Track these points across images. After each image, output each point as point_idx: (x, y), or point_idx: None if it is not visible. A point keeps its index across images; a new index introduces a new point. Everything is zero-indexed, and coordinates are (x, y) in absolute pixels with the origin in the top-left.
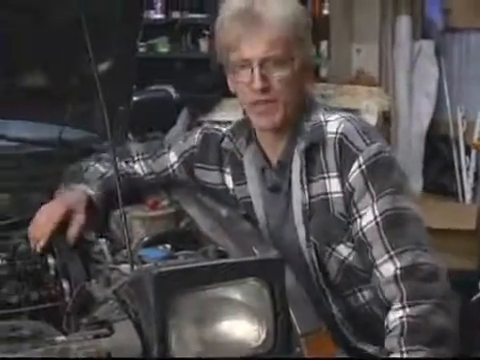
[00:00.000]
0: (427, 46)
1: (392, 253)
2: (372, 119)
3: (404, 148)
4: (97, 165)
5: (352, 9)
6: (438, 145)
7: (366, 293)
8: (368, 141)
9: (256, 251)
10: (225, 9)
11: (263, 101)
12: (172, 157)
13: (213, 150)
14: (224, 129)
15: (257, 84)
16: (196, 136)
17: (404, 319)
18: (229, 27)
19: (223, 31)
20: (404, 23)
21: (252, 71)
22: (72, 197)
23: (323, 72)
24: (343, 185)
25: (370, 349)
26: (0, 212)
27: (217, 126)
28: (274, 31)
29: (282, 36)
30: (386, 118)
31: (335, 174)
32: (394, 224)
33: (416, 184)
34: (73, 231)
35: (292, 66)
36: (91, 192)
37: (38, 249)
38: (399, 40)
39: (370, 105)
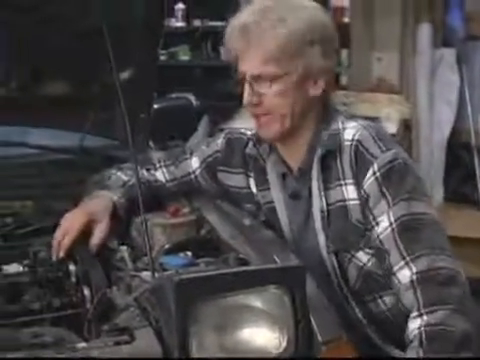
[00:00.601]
0: (448, 54)
1: (408, 259)
2: (393, 127)
3: (425, 156)
4: (119, 173)
5: (373, 17)
6: (459, 153)
7: (387, 299)
8: (383, 148)
9: (277, 259)
10: (231, 24)
11: (257, 114)
12: (194, 163)
13: (238, 154)
14: (249, 133)
15: (246, 99)
16: (220, 141)
17: (422, 329)
18: (231, 41)
19: (227, 45)
20: (425, 31)
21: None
22: (96, 205)
23: (343, 80)
24: (359, 192)
25: (395, 351)
26: (22, 219)
27: (241, 130)
28: (263, 49)
29: (271, 54)
30: (407, 126)
31: (351, 181)
32: (409, 230)
33: (437, 193)
34: (95, 240)
35: (287, 81)
36: (115, 198)
37: (54, 258)
38: (420, 48)
39: (391, 113)
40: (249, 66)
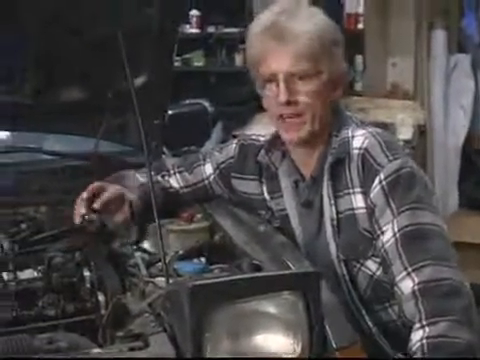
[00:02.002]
0: (463, 60)
1: (410, 269)
2: (407, 133)
3: (440, 162)
4: (137, 175)
5: (387, 23)
6: (474, 159)
7: (397, 308)
8: (390, 157)
9: (291, 265)
10: (254, 25)
11: (289, 115)
12: (208, 169)
13: (251, 161)
14: (262, 139)
15: (282, 97)
16: (233, 147)
17: (424, 341)
18: (257, 42)
19: (251, 46)
20: (440, 37)
21: (278, 85)
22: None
23: (358, 86)
24: (366, 201)
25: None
26: (36, 225)
27: (254, 136)
28: (299, 45)
29: (307, 50)
30: (421, 132)
31: (359, 190)
32: (413, 240)
33: (452, 198)
34: (120, 219)
35: (319, 79)
36: (131, 197)
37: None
38: (435, 54)
39: (405, 119)
40: (283, 64)
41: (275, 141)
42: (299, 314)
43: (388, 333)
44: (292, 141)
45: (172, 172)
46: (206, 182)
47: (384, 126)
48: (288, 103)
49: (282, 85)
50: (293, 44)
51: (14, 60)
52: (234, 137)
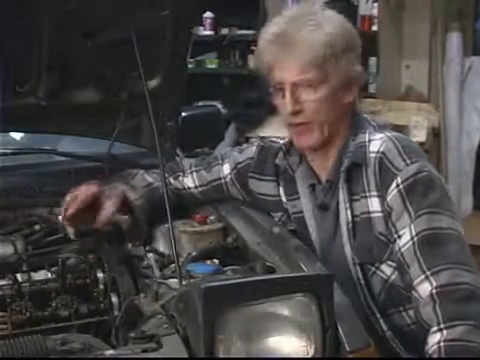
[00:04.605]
0: (478, 62)
1: (428, 273)
2: (421, 135)
3: (454, 165)
4: (145, 174)
5: (401, 25)
6: None
7: (412, 312)
8: (408, 161)
9: (304, 267)
10: (263, 33)
11: (298, 123)
12: (226, 168)
13: (270, 162)
14: (281, 141)
15: (288, 108)
16: (253, 149)
17: (441, 344)
18: (265, 50)
19: (261, 53)
20: (455, 39)
21: (284, 95)
22: (110, 188)
23: (372, 88)
24: (383, 204)
25: None
26: (50, 226)
27: (273, 139)
28: (305, 56)
29: (313, 60)
30: (436, 134)
31: (376, 193)
32: (430, 244)
33: (466, 201)
34: (101, 217)
35: (326, 87)
36: (132, 197)
37: (61, 220)
38: (449, 56)
39: (419, 121)
40: (288, 74)
41: (292, 145)
42: (312, 316)
43: (402, 337)
44: (304, 147)
45: (188, 172)
46: (222, 181)
47: (398, 129)
48: (295, 113)
49: (288, 95)
50: (298, 54)
51: (28, 62)
52: (247, 139)
